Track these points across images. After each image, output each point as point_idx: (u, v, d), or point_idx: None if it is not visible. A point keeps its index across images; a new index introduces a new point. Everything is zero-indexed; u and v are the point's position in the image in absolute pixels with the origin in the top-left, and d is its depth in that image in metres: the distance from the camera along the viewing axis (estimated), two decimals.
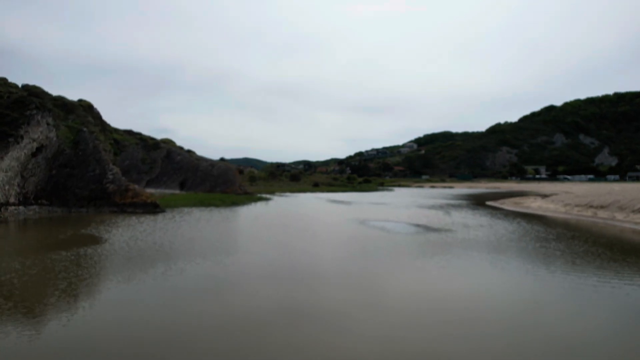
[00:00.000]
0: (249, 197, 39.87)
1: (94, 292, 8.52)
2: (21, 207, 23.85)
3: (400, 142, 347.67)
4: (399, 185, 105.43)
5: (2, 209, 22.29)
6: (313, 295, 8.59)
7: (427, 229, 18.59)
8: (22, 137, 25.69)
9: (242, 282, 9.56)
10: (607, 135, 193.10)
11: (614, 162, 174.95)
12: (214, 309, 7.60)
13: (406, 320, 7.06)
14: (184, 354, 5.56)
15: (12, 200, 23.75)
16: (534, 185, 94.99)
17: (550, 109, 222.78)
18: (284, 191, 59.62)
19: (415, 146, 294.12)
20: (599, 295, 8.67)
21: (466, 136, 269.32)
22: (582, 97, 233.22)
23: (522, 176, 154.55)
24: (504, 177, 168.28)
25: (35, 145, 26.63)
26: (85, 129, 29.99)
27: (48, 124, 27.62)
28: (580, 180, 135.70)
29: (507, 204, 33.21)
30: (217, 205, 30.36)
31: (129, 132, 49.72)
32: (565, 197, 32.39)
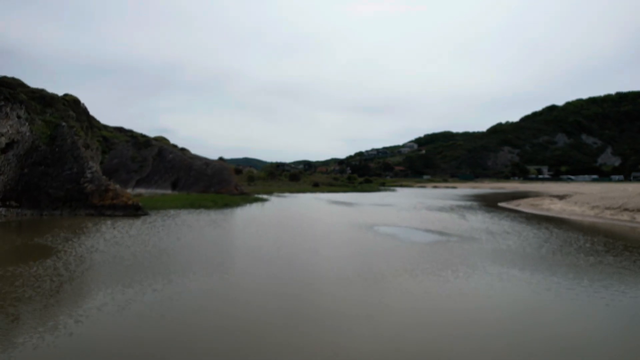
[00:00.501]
0: (245, 198, 37.05)
1: None
2: None
3: (400, 142, 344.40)
4: (401, 186, 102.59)
5: None
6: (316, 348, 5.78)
7: (446, 236, 15.78)
8: None
9: (206, 329, 6.75)
10: (610, 135, 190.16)
11: (617, 162, 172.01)
12: None
13: None
14: None
15: None
16: (539, 186, 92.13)
17: (552, 108, 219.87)
18: (283, 191, 56.81)
19: (415, 146, 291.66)
20: None
21: (467, 136, 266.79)
22: (583, 96, 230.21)
23: (524, 176, 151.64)
24: (506, 177, 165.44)
25: (4, 140, 23.85)
26: (64, 124, 27.15)
27: (19, 117, 24.82)
28: (584, 181, 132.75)
29: (524, 206, 30.39)
30: (208, 207, 27.54)
31: (120, 130, 46.95)
32: (585, 198, 29.55)
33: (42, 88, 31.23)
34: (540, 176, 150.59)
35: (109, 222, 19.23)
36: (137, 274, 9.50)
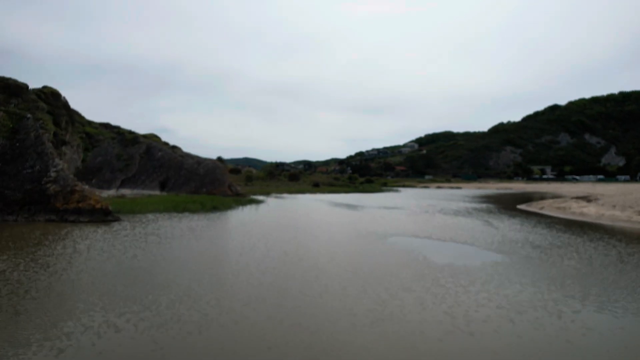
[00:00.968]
0: (238, 200, 33.48)
1: None
2: None
3: (400, 142, 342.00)
4: (404, 186, 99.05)
5: None
6: None
7: (485, 253, 12.29)
8: None
9: None
10: (614, 135, 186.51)
11: (621, 162, 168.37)
12: None
13: None
14: None
15: None
16: (546, 186, 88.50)
17: (554, 108, 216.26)
18: (281, 192, 53.30)
19: (416, 146, 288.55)
20: None
21: (468, 136, 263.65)
22: (583, 96, 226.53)
23: (528, 176, 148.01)
24: (508, 178, 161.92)
25: None
26: (29, 116, 23.61)
27: None
28: (589, 181, 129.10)
29: (549, 209, 26.85)
30: (193, 211, 24.01)
31: (106, 126, 43.42)
32: (618, 200, 26.04)
33: (10, 77, 27.62)
34: (544, 176, 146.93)
35: (64, 231, 15.71)
36: (20, 322, 5.97)
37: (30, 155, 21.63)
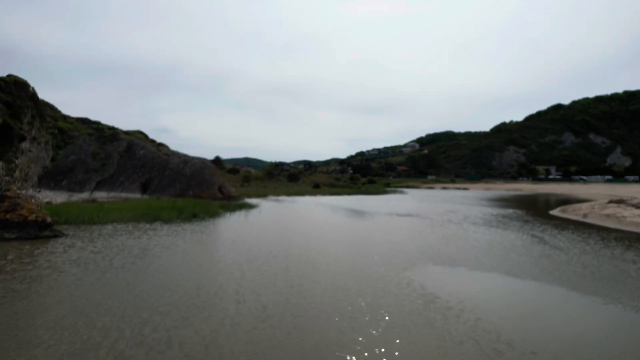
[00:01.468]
0: (227, 205, 28.77)
1: None
2: None
3: (400, 142, 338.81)
4: (407, 186, 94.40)
5: None
6: None
7: (587, 297, 7.73)
8: None
9: None
10: (619, 135, 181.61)
11: (627, 162, 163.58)
12: None
13: None
14: None
15: None
16: (556, 187, 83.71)
17: (557, 107, 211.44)
18: (279, 194, 48.68)
19: (417, 146, 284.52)
20: None
21: (469, 136, 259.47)
22: (583, 95, 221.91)
23: (533, 176, 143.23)
24: (513, 178, 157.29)
25: None
26: None
27: None
28: (597, 181, 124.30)
29: (595, 217, 22.19)
30: (166, 220, 19.36)
31: (84, 121, 38.83)
32: None
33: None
34: (550, 176, 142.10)
35: None
36: None
37: None
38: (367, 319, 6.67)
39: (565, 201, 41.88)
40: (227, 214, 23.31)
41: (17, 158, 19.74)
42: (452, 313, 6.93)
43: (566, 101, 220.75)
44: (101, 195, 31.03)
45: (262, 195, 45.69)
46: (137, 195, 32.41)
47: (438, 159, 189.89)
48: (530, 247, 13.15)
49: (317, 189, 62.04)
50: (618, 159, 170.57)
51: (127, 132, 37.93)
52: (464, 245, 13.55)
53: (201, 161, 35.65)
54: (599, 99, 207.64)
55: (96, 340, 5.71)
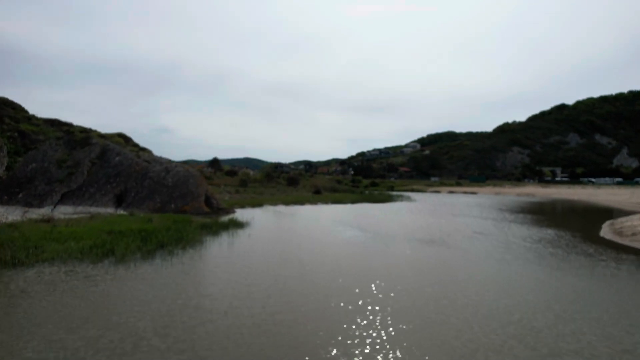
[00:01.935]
0: (210, 225, 23.79)
1: None
2: None
3: (401, 142, 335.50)
4: (412, 190, 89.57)
5: None
6: None
7: None
8: None
9: None
10: (625, 135, 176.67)
11: (634, 163, 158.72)
12: None
13: None
14: None
15: None
16: (570, 191, 78.68)
17: (561, 107, 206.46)
18: (276, 202, 43.86)
19: (418, 146, 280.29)
20: None
21: (471, 136, 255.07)
22: (584, 95, 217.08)
23: (540, 178, 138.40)
24: (517, 179, 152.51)
25: None
26: None
27: None
28: (607, 184, 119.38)
29: None
30: (121, 256, 14.48)
31: (53, 122, 33.92)
32: None
33: None
34: (557, 179, 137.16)
35: None
36: None
37: None
38: None
39: (593, 210, 37.01)
40: (207, 240, 18.42)
41: None
42: None
43: (568, 101, 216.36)
44: (66, 210, 26.17)
45: (258, 204, 40.89)
46: (110, 210, 27.57)
47: (441, 160, 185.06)
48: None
49: (318, 195, 57.27)
50: (624, 160, 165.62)
51: (103, 136, 33.05)
52: (554, 322, 8.69)
53: (185, 170, 30.77)
54: (603, 99, 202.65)
55: None
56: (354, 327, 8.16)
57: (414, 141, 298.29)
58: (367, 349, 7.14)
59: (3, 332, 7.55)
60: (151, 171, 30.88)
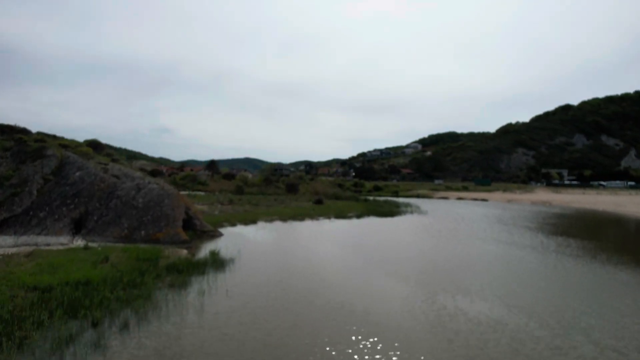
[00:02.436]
0: (181, 264, 18.17)
1: None
2: None
3: (401, 142, 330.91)
4: (417, 196, 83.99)
5: None
6: None
7: None
8: None
9: None
10: (632, 136, 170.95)
11: None
12: None
13: None
14: None
15: None
16: (587, 198, 73.00)
17: (566, 108, 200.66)
18: (272, 216, 38.33)
19: (419, 147, 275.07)
20: None
21: (473, 137, 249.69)
22: (587, 95, 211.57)
23: (547, 181, 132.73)
24: (523, 182, 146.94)
25: None
26: None
27: None
28: (618, 187, 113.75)
29: None
30: (28, 338, 8.96)
31: (3, 130, 28.28)
32: None
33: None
34: (566, 182, 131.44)
35: None
36: None
37: None
38: None
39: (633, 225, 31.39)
40: (165, 301, 12.78)
41: None
42: None
43: (571, 101, 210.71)
44: (5, 242, 20.59)
45: (252, 220, 35.39)
46: (64, 239, 22.03)
47: (444, 161, 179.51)
48: None
49: (319, 205, 51.77)
50: (632, 161, 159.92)
51: (66, 145, 27.39)
52: None
53: (160, 187, 25.13)
54: (609, 99, 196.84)
55: None
56: None
57: (415, 142, 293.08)
58: None
59: None
60: (120, 189, 25.30)
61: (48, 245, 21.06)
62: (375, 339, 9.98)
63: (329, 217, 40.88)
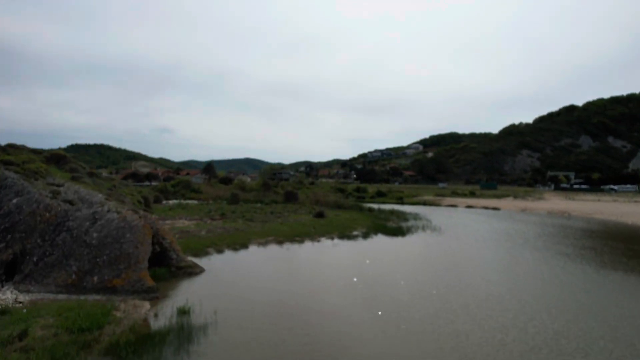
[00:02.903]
0: (130, 345, 12.79)
1: None
2: None
3: (402, 143, 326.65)
4: (424, 203, 78.57)
5: None
6: None
7: None
8: None
9: None
10: None
11: None
12: None
13: None
14: None
15: None
16: (609, 207, 67.34)
17: (570, 108, 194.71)
18: (267, 235, 33.01)
19: (420, 147, 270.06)
20: None
21: (474, 137, 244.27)
22: (593, 96, 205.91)
23: (555, 185, 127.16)
24: (528, 185, 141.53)
25: None
26: None
27: None
28: (629, 192, 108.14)
29: None
30: None
31: None
32: None
33: None
34: (576, 186, 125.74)
35: None
36: None
37: None
38: None
39: None
40: None
41: None
42: None
43: (573, 101, 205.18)
44: None
45: (242, 243, 30.08)
46: None
47: (446, 163, 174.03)
48: None
49: (320, 219, 46.42)
50: None
51: (7, 162, 21.94)
52: None
53: (122, 216, 19.65)
54: (615, 100, 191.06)
55: None
56: None
57: (416, 142, 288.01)
58: None
59: None
60: (72, 219, 19.86)
61: None
62: None
63: (331, 237, 35.51)
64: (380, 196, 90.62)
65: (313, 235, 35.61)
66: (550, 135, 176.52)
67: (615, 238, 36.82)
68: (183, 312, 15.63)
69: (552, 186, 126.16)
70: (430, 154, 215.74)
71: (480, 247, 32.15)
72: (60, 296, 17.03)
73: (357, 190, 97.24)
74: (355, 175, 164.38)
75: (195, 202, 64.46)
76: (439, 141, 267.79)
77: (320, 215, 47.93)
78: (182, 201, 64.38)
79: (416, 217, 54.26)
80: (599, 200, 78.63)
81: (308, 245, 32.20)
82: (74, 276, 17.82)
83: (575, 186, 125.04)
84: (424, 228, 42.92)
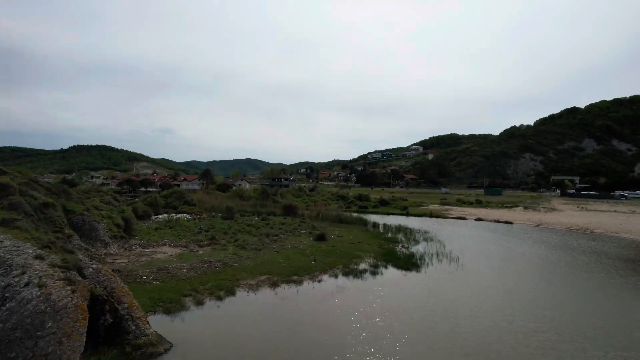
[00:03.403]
0: None
1: None
2: None
3: (402, 144, 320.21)
4: (430, 215, 72.69)
5: None
6: None
7: None
8: None
9: None
10: None
11: None
12: None
13: None
14: None
15: None
16: (636, 222, 61.29)
17: (573, 111, 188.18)
18: (260, 273, 27.26)
19: (420, 149, 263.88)
20: None
21: (474, 139, 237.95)
22: (594, 98, 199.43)
23: (562, 190, 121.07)
24: (532, 189, 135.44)
25: None
26: None
27: None
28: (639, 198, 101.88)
29: None
30: None
31: None
32: None
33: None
34: (583, 192, 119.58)
35: None
36: None
37: None
38: None
39: None
40: None
41: None
42: None
43: (574, 103, 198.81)
44: None
45: (229, 286, 24.35)
46: None
47: (448, 166, 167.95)
48: None
49: (321, 243, 40.60)
50: None
51: None
52: None
53: (45, 293, 13.73)
54: (618, 102, 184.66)
55: None
56: None
57: (416, 143, 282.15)
58: None
59: None
60: None
61: None
62: None
63: (334, 274, 29.64)
64: (384, 205, 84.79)
65: (313, 272, 29.73)
66: (552, 138, 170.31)
67: None
68: None
69: (558, 191, 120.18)
70: (430, 156, 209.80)
71: (515, 289, 26.10)
72: None
73: (359, 198, 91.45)
74: (355, 179, 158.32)
75: (187, 216, 58.53)
76: (439, 142, 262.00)
77: (321, 238, 42.07)
78: (174, 215, 58.55)
79: (426, 236, 48.41)
80: (615, 211, 72.66)
81: (307, 288, 26.36)
82: None
83: (583, 192, 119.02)
84: (438, 256, 37.00)
